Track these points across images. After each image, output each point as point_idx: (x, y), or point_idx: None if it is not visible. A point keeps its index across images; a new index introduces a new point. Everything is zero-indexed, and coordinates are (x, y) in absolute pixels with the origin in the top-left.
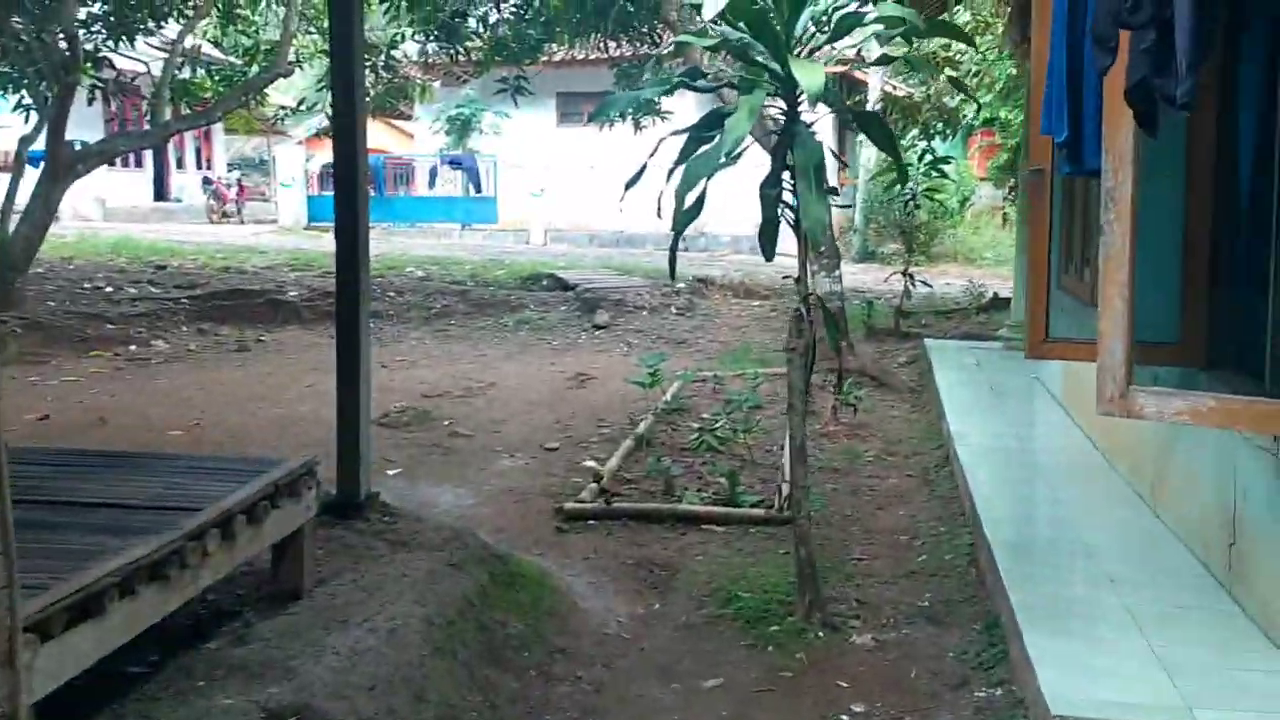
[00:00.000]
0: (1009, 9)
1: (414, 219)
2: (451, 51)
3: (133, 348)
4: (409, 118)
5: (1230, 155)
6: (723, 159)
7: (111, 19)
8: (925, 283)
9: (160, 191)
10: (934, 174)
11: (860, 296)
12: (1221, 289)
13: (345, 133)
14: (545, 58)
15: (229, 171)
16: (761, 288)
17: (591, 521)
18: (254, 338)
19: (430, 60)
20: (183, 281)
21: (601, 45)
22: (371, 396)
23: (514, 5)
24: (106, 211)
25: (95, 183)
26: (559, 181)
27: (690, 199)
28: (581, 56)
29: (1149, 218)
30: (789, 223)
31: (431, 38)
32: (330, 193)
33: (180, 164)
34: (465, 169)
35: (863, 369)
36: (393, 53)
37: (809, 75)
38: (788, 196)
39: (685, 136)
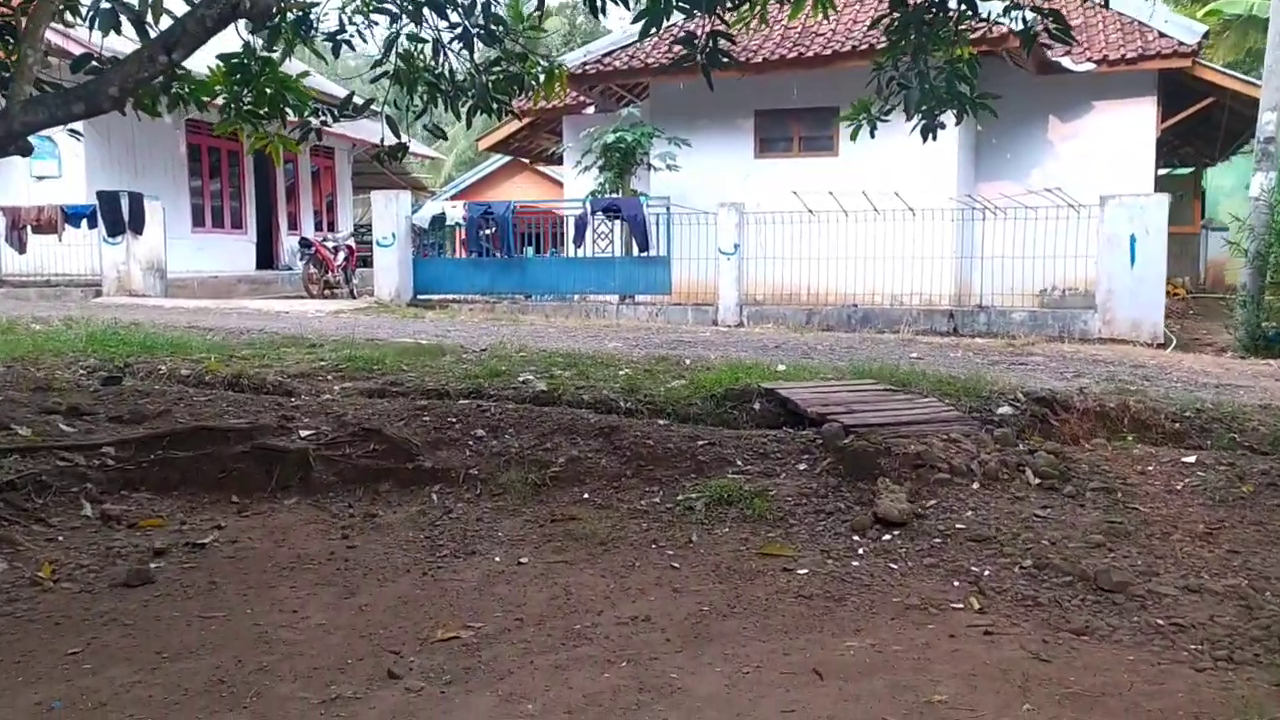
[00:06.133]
0: None
1: (555, 288)
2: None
3: None
4: (557, 159)
5: None
6: None
7: None
8: None
9: (267, 258)
10: None
11: None
12: None
13: None
14: (741, 53)
15: (353, 235)
16: (1165, 417)
17: None
18: (193, 534)
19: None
20: (130, 411)
21: None
22: None
23: None
24: (169, 285)
25: (148, 246)
26: (759, 235)
27: None
28: (792, 55)
29: None
30: None
31: None
32: (460, 254)
33: (294, 226)
34: (626, 219)
35: None
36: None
37: None
38: None
39: None
